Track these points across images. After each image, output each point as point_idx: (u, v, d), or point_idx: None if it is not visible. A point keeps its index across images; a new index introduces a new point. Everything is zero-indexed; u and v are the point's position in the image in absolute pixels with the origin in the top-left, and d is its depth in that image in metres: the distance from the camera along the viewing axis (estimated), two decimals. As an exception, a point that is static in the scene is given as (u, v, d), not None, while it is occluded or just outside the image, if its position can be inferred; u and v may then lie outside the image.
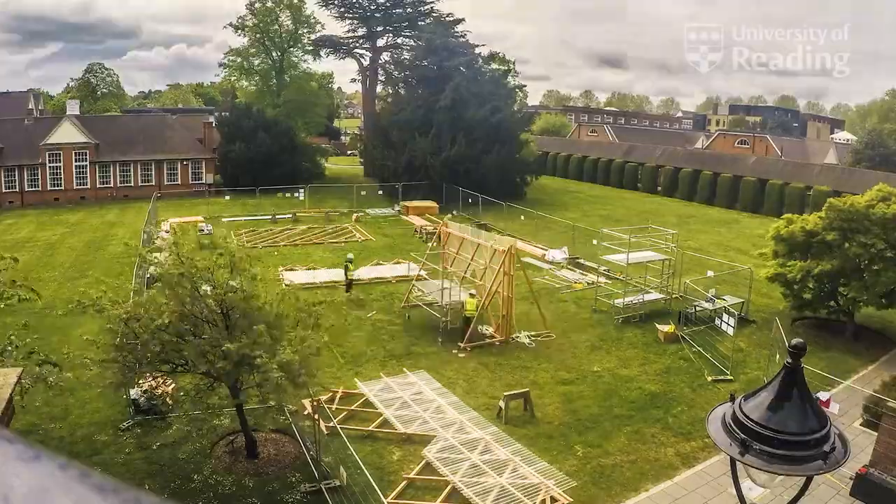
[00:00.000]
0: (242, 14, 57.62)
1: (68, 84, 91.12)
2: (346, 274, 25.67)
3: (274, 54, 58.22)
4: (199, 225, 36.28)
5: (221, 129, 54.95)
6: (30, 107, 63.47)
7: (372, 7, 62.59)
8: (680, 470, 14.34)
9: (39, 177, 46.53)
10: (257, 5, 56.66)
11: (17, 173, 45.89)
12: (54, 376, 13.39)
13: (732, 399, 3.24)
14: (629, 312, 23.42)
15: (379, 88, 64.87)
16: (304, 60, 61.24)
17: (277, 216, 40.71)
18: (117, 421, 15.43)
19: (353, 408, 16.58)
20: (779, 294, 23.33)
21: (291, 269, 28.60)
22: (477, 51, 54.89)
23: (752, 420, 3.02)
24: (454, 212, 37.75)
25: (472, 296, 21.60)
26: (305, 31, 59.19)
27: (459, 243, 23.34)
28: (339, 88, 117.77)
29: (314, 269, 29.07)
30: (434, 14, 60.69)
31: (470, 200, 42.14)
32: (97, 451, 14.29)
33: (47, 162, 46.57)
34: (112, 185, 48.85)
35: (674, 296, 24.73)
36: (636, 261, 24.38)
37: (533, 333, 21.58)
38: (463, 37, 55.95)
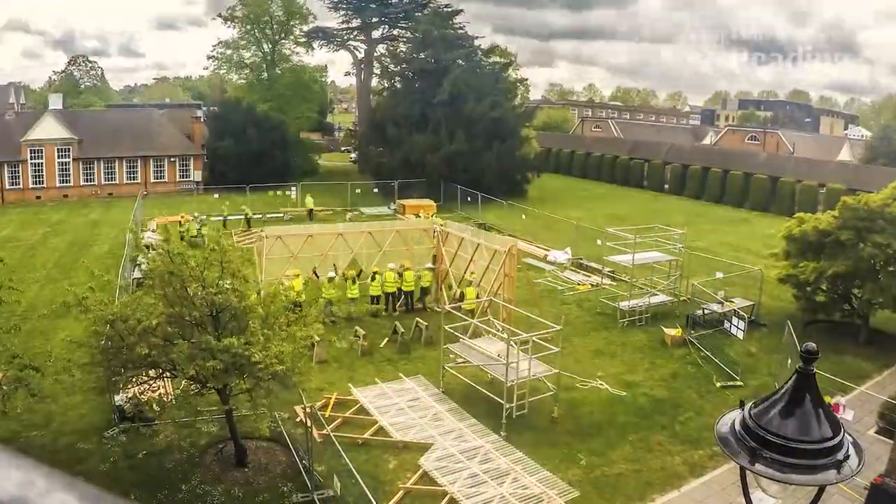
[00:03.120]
0: (232, 4, 57.60)
1: (50, 77, 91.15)
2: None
3: (265, 46, 58.18)
4: (186, 224, 36.20)
5: (210, 124, 54.90)
6: (10, 101, 63.41)
7: (367, -3, 62.60)
8: (687, 479, 14.34)
9: (21, 174, 46.46)
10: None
11: (-4, 170, 45.85)
12: (36, 381, 13.37)
13: (742, 406, 3.25)
14: (634, 315, 23.44)
15: (374, 82, 64.85)
16: (297, 53, 61.22)
17: (268, 215, 40.70)
18: (102, 428, 15.40)
19: (347, 415, 16.57)
20: (790, 296, 23.35)
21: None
22: (476, 43, 54.96)
23: (762, 427, 3.02)
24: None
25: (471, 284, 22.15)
26: (297, 22, 59.15)
27: (458, 243, 23.37)
28: (333, 82, 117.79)
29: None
30: (431, 5, 60.68)
31: (469, 199, 42.14)
32: (81, 459, 14.26)
33: (29, 159, 46.49)
34: (96, 183, 48.80)
35: (681, 298, 24.75)
36: (642, 262, 24.40)
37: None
38: (462, 28, 55.99)
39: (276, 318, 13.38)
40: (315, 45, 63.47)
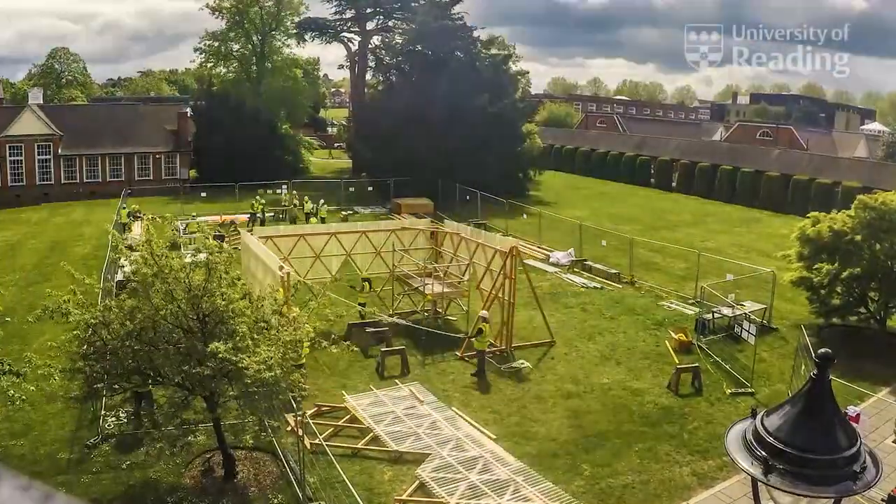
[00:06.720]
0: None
1: (30, 70, 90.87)
2: None
3: (254, 38, 58.07)
4: (173, 223, 36.20)
5: (197, 119, 54.85)
6: (-13, 95, 63.30)
7: (361, -13, 62.59)
8: (696, 491, 14.34)
9: (-1, 171, 46.43)
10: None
11: (-27, 168, 45.80)
12: (15, 388, 13.34)
13: (754, 414, 3.25)
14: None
15: (369, 76, 64.91)
16: (288, 45, 61.05)
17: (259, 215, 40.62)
18: (84, 437, 15.39)
19: (340, 423, 16.56)
20: (804, 299, 23.35)
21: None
22: (475, 34, 54.93)
23: (775, 437, 3.02)
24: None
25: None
26: (289, 12, 59.09)
27: (457, 244, 23.37)
28: (326, 76, 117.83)
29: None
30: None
31: (468, 198, 42.12)
32: (62, 470, 14.24)
33: (7, 156, 46.43)
34: (78, 181, 48.73)
35: (690, 301, 24.76)
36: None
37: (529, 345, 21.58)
38: (460, 19, 55.99)
39: (267, 321, 13.38)
40: (307, 36, 63.39)
